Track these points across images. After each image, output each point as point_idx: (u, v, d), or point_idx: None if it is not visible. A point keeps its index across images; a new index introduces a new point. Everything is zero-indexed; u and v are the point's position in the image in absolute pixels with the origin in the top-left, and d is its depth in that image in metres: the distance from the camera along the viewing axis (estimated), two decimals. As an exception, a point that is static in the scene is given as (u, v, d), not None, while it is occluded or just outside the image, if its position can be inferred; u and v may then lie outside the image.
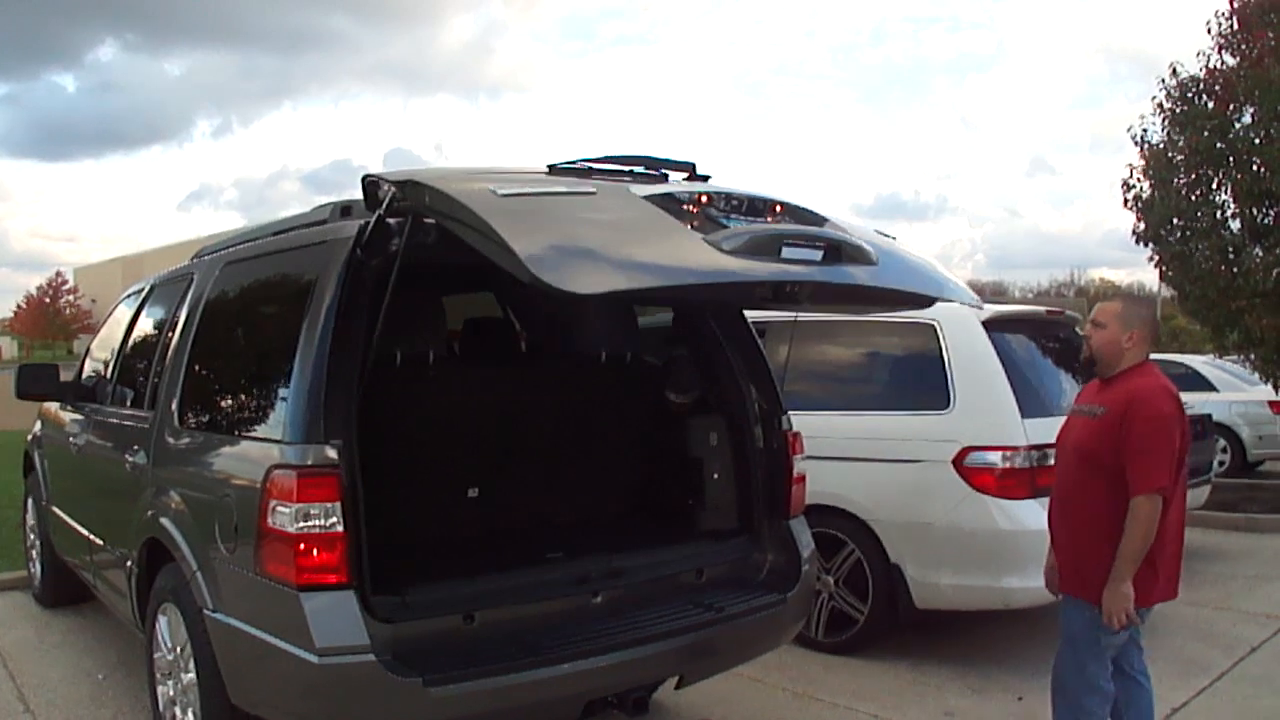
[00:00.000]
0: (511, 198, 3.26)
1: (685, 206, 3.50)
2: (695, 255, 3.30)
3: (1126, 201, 13.84)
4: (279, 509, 3.49)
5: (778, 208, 3.70)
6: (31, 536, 7.40)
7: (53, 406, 6.92)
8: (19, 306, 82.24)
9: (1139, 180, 13.78)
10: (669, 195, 3.58)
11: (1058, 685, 4.08)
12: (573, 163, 3.82)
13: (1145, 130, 13.78)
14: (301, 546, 3.42)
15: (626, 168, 3.90)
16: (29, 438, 7.60)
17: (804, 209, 3.80)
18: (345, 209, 4.00)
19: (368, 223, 3.62)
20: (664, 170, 3.95)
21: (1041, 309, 7.32)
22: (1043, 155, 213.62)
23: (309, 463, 3.49)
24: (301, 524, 3.43)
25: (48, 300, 79.24)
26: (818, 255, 3.53)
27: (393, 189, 3.45)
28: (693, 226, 3.41)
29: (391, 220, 3.64)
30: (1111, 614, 3.78)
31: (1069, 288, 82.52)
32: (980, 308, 4.22)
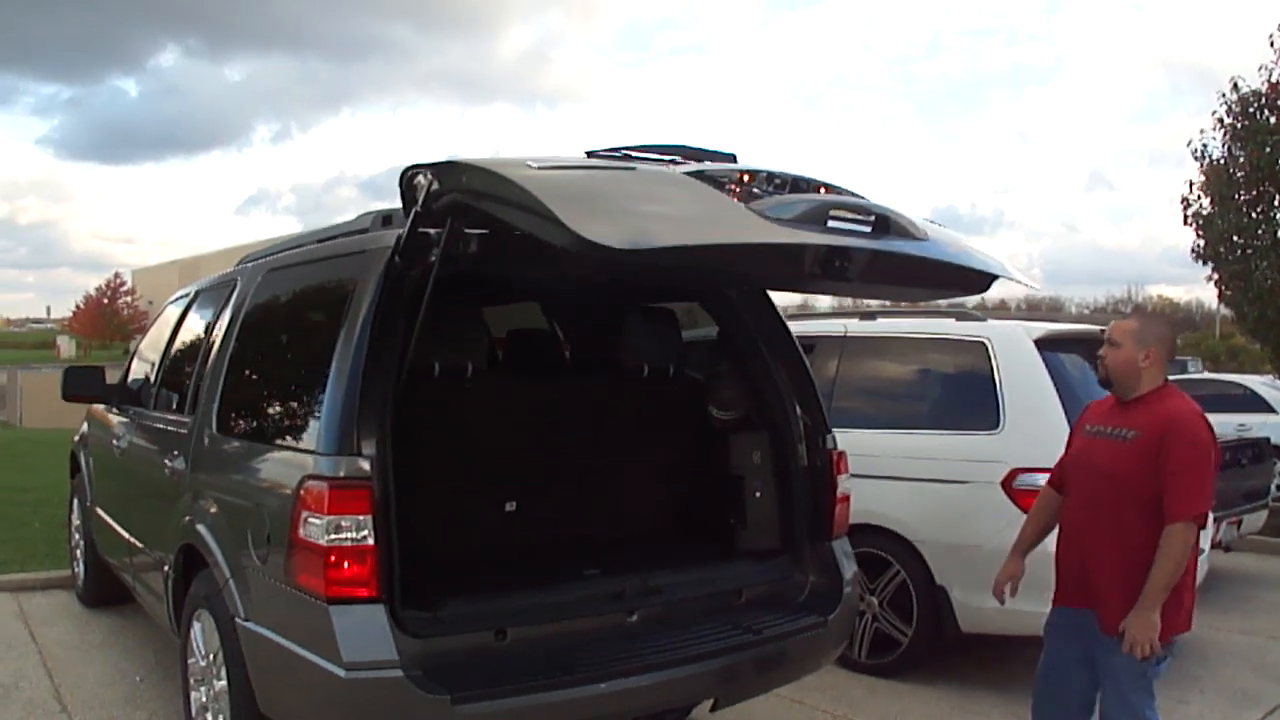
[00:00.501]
0: (548, 170, 3.20)
1: (728, 185, 3.41)
2: (740, 220, 3.22)
3: (1186, 218, 13.66)
4: (310, 520, 3.45)
5: (822, 189, 3.59)
6: (76, 536, 7.44)
7: (99, 408, 6.97)
8: (78, 307, 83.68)
9: (1199, 196, 13.59)
10: (709, 173, 3.48)
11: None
12: (612, 150, 3.75)
13: (1205, 145, 13.61)
14: (332, 559, 3.39)
15: (667, 156, 3.80)
16: (75, 438, 7.66)
17: (849, 190, 3.68)
18: (386, 218, 3.97)
19: (404, 229, 3.58)
20: (704, 160, 3.83)
21: (1096, 327, 7.17)
22: (1101, 169, 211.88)
23: (341, 474, 3.45)
24: (332, 536, 3.39)
25: (106, 301, 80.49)
26: (867, 228, 3.45)
27: (431, 178, 3.39)
28: (736, 198, 3.34)
29: (431, 230, 3.61)
30: (1137, 644, 3.63)
31: (1126, 304, 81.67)
32: (1038, 289, 4.09)
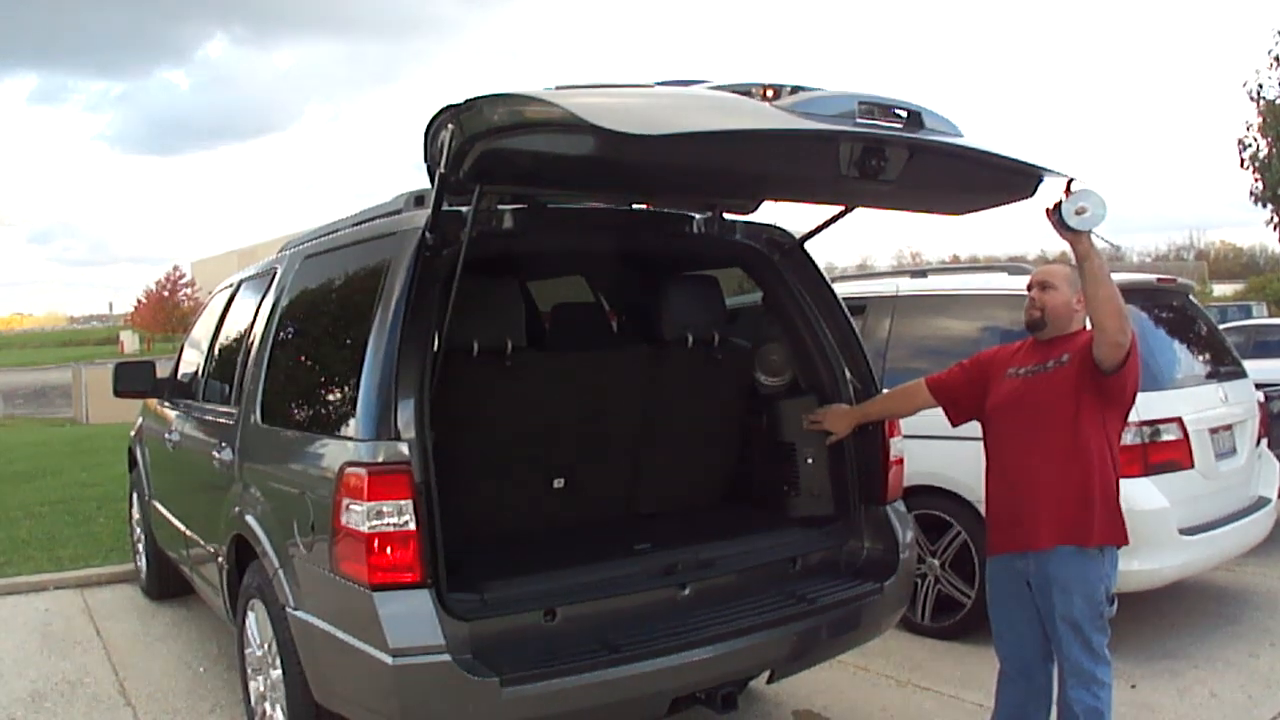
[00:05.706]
0: (566, 89, 3.15)
1: (754, 92, 3.36)
2: (769, 113, 3.21)
3: (1243, 161, 13.33)
4: (352, 507, 3.43)
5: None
6: (137, 530, 7.52)
7: (153, 402, 7.01)
8: (139, 301, 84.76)
9: (1255, 138, 13.26)
10: (732, 86, 3.43)
11: (1069, 667, 3.87)
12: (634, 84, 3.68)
13: (1261, 85, 13.27)
14: (374, 545, 3.37)
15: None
16: (131, 433, 7.72)
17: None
18: (419, 198, 3.92)
19: (432, 196, 3.54)
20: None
21: (1152, 277, 6.99)
22: (1162, 112, 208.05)
23: (380, 460, 3.43)
24: (374, 522, 3.37)
25: (166, 294, 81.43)
26: (899, 124, 3.40)
27: (452, 126, 3.31)
28: (762, 99, 3.31)
29: (462, 208, 3.55)
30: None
31: (1188, 250, 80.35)
32: (1086, 186, 3.85)
